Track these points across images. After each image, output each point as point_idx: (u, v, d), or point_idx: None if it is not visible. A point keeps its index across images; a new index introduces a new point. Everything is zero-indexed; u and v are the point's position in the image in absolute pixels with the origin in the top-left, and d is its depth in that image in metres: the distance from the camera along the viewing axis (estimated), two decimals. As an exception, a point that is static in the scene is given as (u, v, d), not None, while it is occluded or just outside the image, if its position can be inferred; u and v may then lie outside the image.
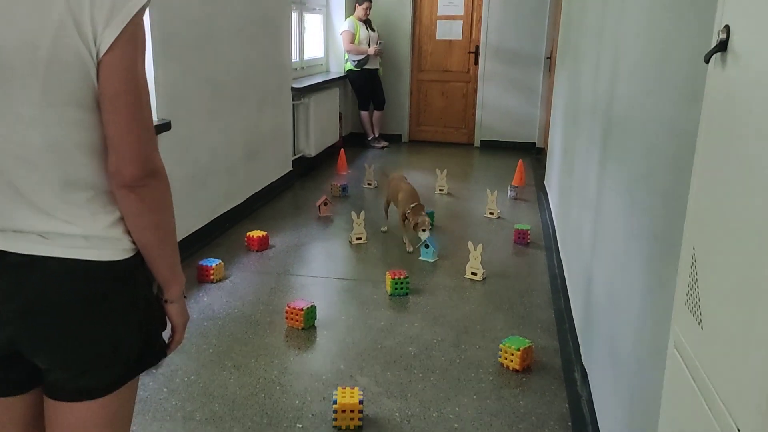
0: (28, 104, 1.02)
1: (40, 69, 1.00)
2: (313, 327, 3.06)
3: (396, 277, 3.43)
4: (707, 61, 0.94)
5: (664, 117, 1.58)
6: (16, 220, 1.07)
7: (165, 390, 2.50)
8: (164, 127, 3.47)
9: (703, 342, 0.88)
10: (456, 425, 2.33)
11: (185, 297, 1.28)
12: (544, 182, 5.84)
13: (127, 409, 1.24)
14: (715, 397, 0.81)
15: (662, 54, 1.67)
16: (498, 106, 7.80)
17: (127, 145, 1.06)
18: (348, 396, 2.31)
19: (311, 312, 3.06)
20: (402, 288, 3.44)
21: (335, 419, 2.28)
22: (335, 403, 2.28)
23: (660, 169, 1.58)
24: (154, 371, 2.62)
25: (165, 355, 1.27)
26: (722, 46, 0.89)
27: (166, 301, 1.24)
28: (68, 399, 1.15)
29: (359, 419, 2.29)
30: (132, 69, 1.05)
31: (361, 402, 2.29)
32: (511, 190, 5.60)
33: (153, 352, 1.23)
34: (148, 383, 2.54)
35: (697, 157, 0.98)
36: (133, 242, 1.14)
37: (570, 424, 2.36)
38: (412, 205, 4.13)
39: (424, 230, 3.99)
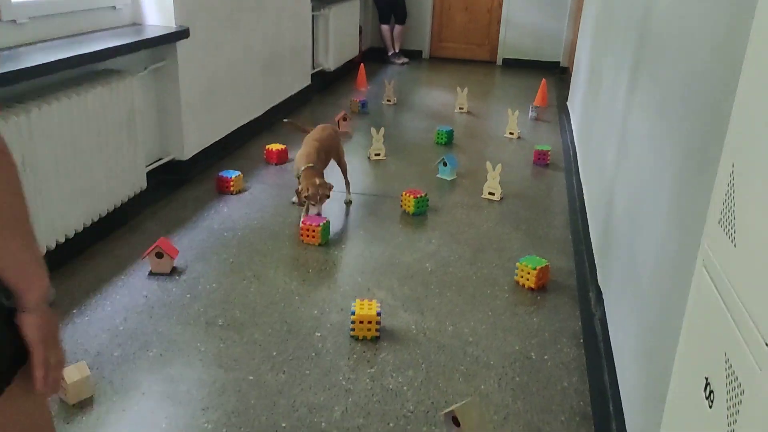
0: None
1: None
2: (330, 241, 3.10)
3: (418, 196, 3.41)
4: (765, -33, 0.89)
5: (707, 30, 1.51)
6: None
7: (188, 296, 2.57)
8: (182, 34, 3.39)
9: (734, 259, 0.87)
10: (470, 339, 2.39)
11: (52, 305, 0.98)
12: (567, 103, 5.72)
13: None
14: (744, 314, 0.81)
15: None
16: (523, 23, 7.54)
17: None
18: (366, 308, 2.36)
19: (326, 229, 3.07)
20: (423, 206, 3.45)
21: (353, 329, 2.34)
22: (353, 314, 2.33)
23: (697, 86, 1.52)
24: (177, 278, 2.69)
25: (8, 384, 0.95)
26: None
27: (18, 310, 0.94)
28: None
29: (376, 330, 2.35)
30: None
31: (378, 314, 2.34)
32: (532, 111, 5.49)
33: None
34: (171, 289, 2.61)
35: (745, 70, 0.94)
36: None
37: (582, 341, 2.41)
38: (304, 166, 3.17)
39: (313, 204, 3.09)
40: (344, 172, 3.54)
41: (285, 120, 3.79)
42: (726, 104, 1.21)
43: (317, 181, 3.09)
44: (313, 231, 3.03)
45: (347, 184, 3.56)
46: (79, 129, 2.66)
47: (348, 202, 3.53)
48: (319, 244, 3.04)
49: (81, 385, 1.95)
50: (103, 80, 2.81)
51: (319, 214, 3.10)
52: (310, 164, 3.15)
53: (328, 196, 3.13)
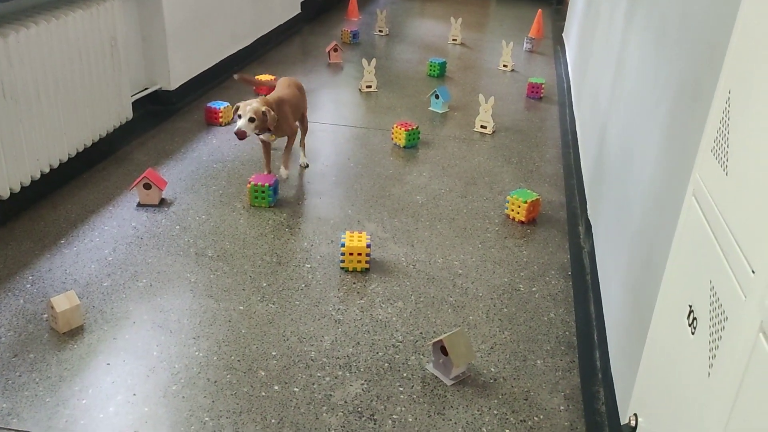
0: None
1: None
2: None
3: (410, 129, 3.37)
4: None
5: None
6: None
7: (177, 227, 2.56)
8: (166, -43, 3.25)
9: (726, 188, 0.86)
10: (460, 271, 2.41)
11: None
12: (563, 35, 5.60)
13: None
14: (732, 242, 0.80)
15: None
16: (520, -50, 7.29)
17: None
18: (356, 240, 2.36)
19: (263, 190, 2.73)
20: (414, 139, 3.41)
21: (343, 261, 2.35)
22: (343, 246, 2.34)
23: (696, 15, 1.48)
24: (166, 209, 2.67)
25: None
26: None
27: None
28: None
29: (366, 262, 2.35)
30: None
31: (368, 246, 2.34)
32: (527, 42, 5.38)
33: None
34: (161, 220, 2.59)
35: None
36: None
37: (570, 273, 2.44)
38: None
39: (244, 132, 2.64)
40: (304, 131, 3.19)
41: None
42: (724, 32, 1.18)
43: (253, 101, 2.70)
44: (262, 191, 2.72)
45: (303, 146, 3.19)
46: (60, 54, 2.57)
47: (305, 166, 3.15)
48: (261, 205, 2.73)
49: (71, 313, 1.96)
50: (82, 3, 2.70)
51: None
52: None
53: (256, 120, 2.65)
